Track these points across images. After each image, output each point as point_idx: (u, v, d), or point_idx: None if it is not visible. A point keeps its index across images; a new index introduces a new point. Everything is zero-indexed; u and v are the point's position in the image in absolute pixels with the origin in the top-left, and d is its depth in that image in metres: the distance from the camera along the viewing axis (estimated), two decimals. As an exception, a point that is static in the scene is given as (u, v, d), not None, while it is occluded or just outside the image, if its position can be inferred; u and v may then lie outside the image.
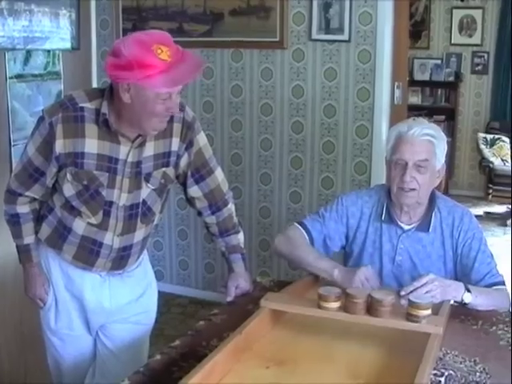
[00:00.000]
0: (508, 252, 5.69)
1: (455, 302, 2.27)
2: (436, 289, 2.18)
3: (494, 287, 2.40)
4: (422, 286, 2.17)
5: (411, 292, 2.13)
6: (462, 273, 2.48)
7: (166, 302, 4.75)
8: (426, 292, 2.16)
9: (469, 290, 2.27)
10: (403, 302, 2.10)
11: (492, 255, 2.49)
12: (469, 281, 2.40)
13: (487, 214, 7.72)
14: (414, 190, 2.41)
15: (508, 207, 7.57)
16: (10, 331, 3.38)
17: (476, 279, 2.42)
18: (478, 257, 2.45)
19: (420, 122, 2.46)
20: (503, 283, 2.44)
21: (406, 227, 2.53)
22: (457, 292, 2.26)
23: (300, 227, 2.59)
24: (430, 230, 2.50)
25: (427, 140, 2.40)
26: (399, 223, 2.53)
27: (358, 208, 2.59)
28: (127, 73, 2.05)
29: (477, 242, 2.48)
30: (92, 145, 2.22)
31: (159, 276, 5.03)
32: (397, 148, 2.43)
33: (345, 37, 4.29)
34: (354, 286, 2.23)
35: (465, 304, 2.27)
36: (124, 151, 2.25)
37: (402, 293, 2.16)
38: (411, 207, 2.49)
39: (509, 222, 7.31)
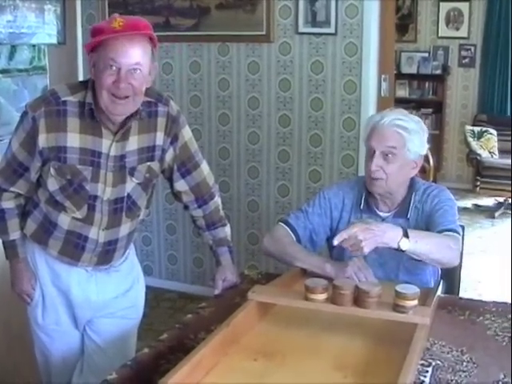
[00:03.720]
0: (495, 245, 5.73)
1: (394, 249, 2.20)
2: (367, 238, 2.14)
3: (446, 233, 2.33)
4: (350, 236, 2.15)
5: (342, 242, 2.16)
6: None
7: (154, 296, 4.75)
8: (354, 243, 2.15)
9: (407, 236, 2.18)
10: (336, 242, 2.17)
11: (456, 215, 2.44)
12: None
13: (475, 206, 7.75)
14: (380, 179, 2.42)
15: (496, 199, 7.60)
16: (-3, 329, 3.36)
17: (433, 229, 2.37)
18: (439, 213, 2.42)
19: (395, 113, 2.47)
20: (458, 232, 2.37)
21: (384, 215, 2.54)
22: (392, 239, 2.18)
23: (285, 226, 2.59)
24: (409, 215, 2.51)
25: (395, 131, 2.40)
26: (377, 212, 2.54)
27: (339, 199, 2.60)
28: (89, 42, 2.13)
29: (440, 203, 2.45)
30: (74, 139, 2.22)
31: (148, 271, 5.03)
32: (368, 137, 2.46)
33: (331, 30, 4.29)
34: (348, 277, 2.24)
35: (403, 251, 2.20)
36: (106, 145, 2.24)
37: (335, 242, 2.17)
38: (384, 196, 2.50)
39: (497, 214, 7.34)
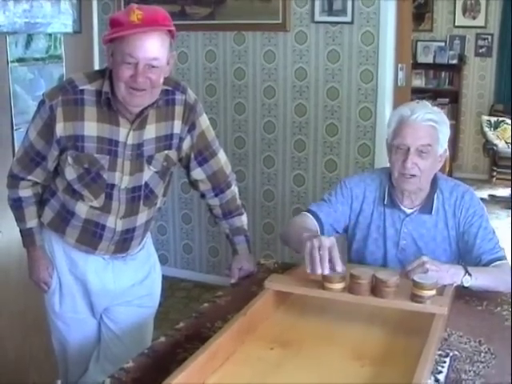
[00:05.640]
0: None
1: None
2: (433, 269, 2.11)
3: (496, 262, 2.37)
4: (413, 269, 2.10)
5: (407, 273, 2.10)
6: (464, 250, 2.47)
7: (170, 286, 4.76)
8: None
9: (469, 274, 2.22)
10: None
11: (494, 231, 2.47)
12: (470, 257, 2.41)
13: (491, 196, 7.70)
14: (415, 176, 2.39)
15: None
16: (14, 318, 3.38)
17: (477, 255, 2.40)
18: (480, 233, 2.43)
19: (423, 106, 2.43)
20: (504, 258, 2.41)
21: (409, 211, 2.51)
22: (456, 277, 2.20)
23: (307, 213, 2.56)
24: (433, 211, 2.49)
25: (430, 125, 2.38)
26: (402, 207, 2.52)
27: (361, 191, 2.57)
28: (107, 33, 2.12)
29: (478, 218, 2.46)
30: (91, 128, 2.22)
31: (163, 260, 5.04)
32: (399, 132, 2.40)
33: (348, 18, 4.27)
34: (306, 252, 2.04)
35: (464, 287, 2.23)
36: (123, 133, 2.24)
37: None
38: (413, 192, 2.48)
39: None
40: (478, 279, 2.23)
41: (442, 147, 2.44)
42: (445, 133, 2.43)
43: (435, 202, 2.49)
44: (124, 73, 2.10)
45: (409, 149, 2.37)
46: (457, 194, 2.49)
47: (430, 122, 2.37)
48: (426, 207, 2.50)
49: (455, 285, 2.19)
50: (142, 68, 2.09)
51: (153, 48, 2.09)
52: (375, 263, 2.54)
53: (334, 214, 2.56)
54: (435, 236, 2.49)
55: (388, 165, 2.58)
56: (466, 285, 2.22)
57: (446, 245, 2.49)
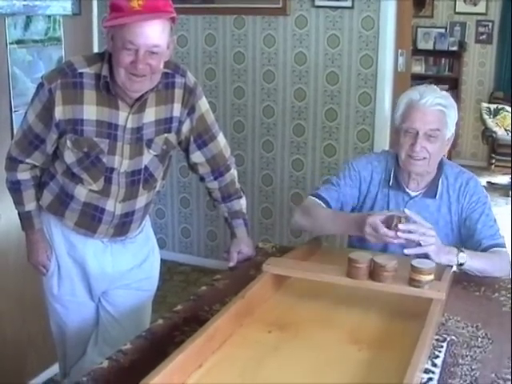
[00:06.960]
0: (510, 223, 5.70)
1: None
2: (431, 242, 2.17)
3: (494, 249, 2.38)
4: (423, 230, 2.15)
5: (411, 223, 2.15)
6: (465, 235, 2.48)
7: (168, 269, 4.78)
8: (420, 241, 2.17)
9: (462, 251, 2.24)
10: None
11: (495, 220, 2.49)
12: (471, 242, 2.42)
13: (490, 184, 7.70)
14: (424, 159, 2.41)
15: (511, 177, 7.55)
16: (12, 300, 3.38)
17: (477, 240, 2.42)
18: (481, 219, 2.45)
19: (432, 90, 2.44)
20: (504, 245, 2.43)
21: (413, 194, 2.52)
22: (451, 255, 2.22)
23: (316, 198, 2.55)
24: (437, 196, 2.50)
25: (439, 110, 2.39)
26: (407, 190, 2.53)
27: (368, 173, 2.58)
28: (107, 17, 2.11)
29: (481, 205, 2.47)
30: (91, 111, 2.21)
31: (161, 244, 5.04)
32: (408, 116, 2.41)
33: (348, 3, 4.26)
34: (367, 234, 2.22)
35: (461, 264, 2.24)
36: (123, 117, 2.23)
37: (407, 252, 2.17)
38: (420, 175, 2.49)
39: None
40: (473, 259, 2.25)
41: (450, 131, 2.45)
42: (453, 117, 2.44)
43: (440, 186, 2.51)
44: (124, 59, 2.09)
45: (417, 133, 2.38)
46: (462, 180, 2.51)
47: (438, 107, 2.39)
48: (431, 191, 2.51)
49: (454, 267, 2.20)
50: (143, 55, 2.07)
51: (154, 35, 2.07)
52: (376, 245, 2.54)
53: (342, 198, 2.56)
54: (438, 220, 2.50)
55: (387, 149, 2.58)
56: (461, 261, 2.23)
57: (448, 230, 2.50)
